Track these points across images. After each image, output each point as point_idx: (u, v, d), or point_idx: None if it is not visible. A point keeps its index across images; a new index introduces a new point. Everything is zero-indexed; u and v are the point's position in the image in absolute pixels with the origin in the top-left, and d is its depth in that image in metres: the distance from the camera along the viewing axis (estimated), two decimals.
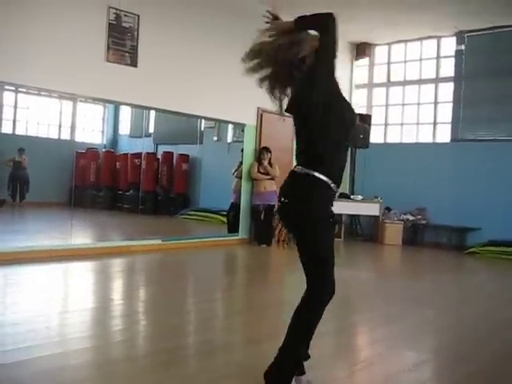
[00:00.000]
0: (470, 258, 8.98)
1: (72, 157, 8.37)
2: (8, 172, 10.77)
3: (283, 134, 8.90)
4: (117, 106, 12.01)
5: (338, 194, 2.45)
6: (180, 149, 11.92)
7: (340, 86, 2.53)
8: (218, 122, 9.65)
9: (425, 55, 10.85)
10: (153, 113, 11.20)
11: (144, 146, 11.82)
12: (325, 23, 2.43)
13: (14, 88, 7.92)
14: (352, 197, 10.50)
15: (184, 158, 12.02)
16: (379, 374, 3.12)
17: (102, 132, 13.11)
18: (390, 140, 11.31)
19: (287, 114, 2.61)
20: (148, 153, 11.85)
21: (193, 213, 10.95)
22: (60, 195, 10.32)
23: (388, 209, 10.39)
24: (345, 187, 10.96)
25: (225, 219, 9.64)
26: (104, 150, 12.72)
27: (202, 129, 10.80)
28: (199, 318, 4.31)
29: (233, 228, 9.17)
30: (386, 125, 11.40)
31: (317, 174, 2.44)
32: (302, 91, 2.50)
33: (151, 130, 12.21)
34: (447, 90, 10.43)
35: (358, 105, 11.45)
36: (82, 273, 5.97)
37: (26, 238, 6.99)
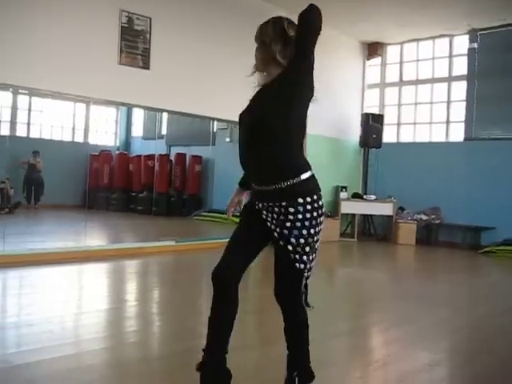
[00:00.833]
0: (485, 257, 8.90)
1: (86, 159, 8.43)
2: (23, 175, 10.89)
3: None
4: (129, 108, 12.11)
5: (263, 189, 2.46)
6: (193, 150, 11.97)
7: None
8: (230, 123, 9.66)
9: (437, 54, 10.77)
10: (165, 115, 11.27)
11: (157, 147, 11.90)
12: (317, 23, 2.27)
13: (27, 92, 8.00)
14: (365, 197, 10.46)
15: (197, 159, 12.07)
16: (393, 373, 3.11)
17: (115, 134, 13.22)
18: (402, 139, 11.25)
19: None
20: (161, 154, 11.92)
21: (206, 214, 10.97)
22: (74, 197, 10.41)
23: (401, 208, 10.33)
24: (358, 187, 10.94)
25: (238, 220, 9.62)
26: (117, 152, 12.81)
27: (215, 130, 10.83)
28: None
29: None
30: (398, 124, 11.34)
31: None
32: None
33: (164, 131, 12.29)
34: (460, 89, 10.35)
35: (371, 105, 11.45)
36: (97, 274, 6.01)
37: (40, 240, 7.06)
